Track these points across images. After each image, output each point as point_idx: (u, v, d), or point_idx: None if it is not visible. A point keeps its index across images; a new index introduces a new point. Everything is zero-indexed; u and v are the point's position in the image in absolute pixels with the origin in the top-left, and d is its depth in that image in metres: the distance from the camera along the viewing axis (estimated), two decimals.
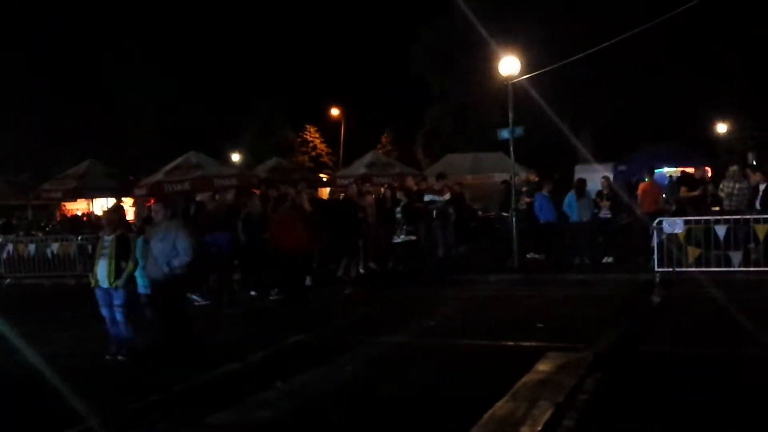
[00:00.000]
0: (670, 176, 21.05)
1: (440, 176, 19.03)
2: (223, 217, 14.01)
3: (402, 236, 16.74)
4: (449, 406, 7.34)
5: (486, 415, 6.56)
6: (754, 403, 6.97)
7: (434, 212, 17.60)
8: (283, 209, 13.96)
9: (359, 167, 24.83)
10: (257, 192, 16.40)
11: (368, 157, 25.74)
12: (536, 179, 20.11)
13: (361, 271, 16.40)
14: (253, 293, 14.35)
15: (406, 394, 7.84)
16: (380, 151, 37.38)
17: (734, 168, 15.42)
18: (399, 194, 17.45)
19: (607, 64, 23.69)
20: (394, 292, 14.75)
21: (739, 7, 25.40)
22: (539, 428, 6.21)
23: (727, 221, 13.91)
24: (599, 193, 16.73)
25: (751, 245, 13.76)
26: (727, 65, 26.96)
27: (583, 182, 16.72)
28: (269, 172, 24.54)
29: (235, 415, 7.23)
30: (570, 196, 16.37)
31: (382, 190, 18.71)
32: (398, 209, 16.96)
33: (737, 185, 14.93)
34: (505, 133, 16.72)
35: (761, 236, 13.55)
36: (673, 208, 16.92)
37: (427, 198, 17.71)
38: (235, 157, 41.93)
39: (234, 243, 13.80)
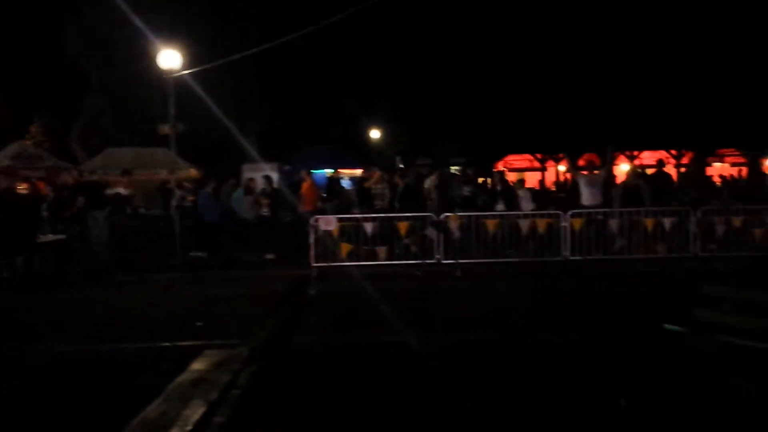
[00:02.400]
0: (329, 177, 22.40)
1: (126, 172, 17.94)
2: None
3: (50, 235, 15.41)
4: (100, 412, 6.99)
5: (136, 419, 6.35)
6: (402, 384, 7.70)
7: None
8: None
9: (3, 159, 22.36)
10: None
11: (13, 148, 23.29)
12: (200, 176, 20.01)
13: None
14: None
15: (56, 402, 7.30)
16: (29, 142, 33.94)
17: (379, 172, 17.00)
18: (47, 189, 16.08)
19: (271, 66, 24.41)
20: (47, 295, 13.63)
21: (387, 23, 27.61)
22: (189, 428, 6.17)
23: (374, 219, 15.24)
24: (262, 192, 17.20)
25: (407, 241, 15.23)
26: (379, 75, 29.21)
27: (250, 180, 17.07)
28: None
29: None
30: (239, 194, 16.60)
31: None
32: (44, 206, 15.61)
33: (379, 186, 16.49)
34: (165, 128, 16.37)
35: (402, 232, 15.08)
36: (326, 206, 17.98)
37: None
38: None
39: None
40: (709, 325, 8.29)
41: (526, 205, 16.54)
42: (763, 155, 25.88)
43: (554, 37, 24.71)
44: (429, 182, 16.63)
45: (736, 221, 15.32)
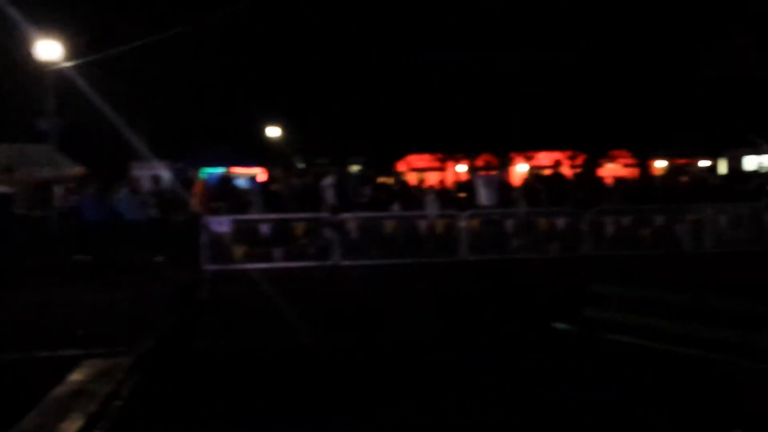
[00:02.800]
0: (223, 176, 21.74)
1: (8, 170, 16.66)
2: None
3: None
4: None
5: None
6: (299, 388, 7.43)
7: None
8: None
9: None
10: None
11: None
12: (84, 175, 18.96)
13: None
14: None
15: None
16: None
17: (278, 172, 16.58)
18: None
19: (163, 59, 23.51)
20: None
21: (283, 15, 27.01)
22: None
23: (270, 220, 14.85)
24: (151, 191, 16.47)
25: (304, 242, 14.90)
26: (277, 69, 28.57)
27: (136, 180, 16.27)
28: None
29: None
30: (124, 194, 15.78)
31: None
32: None
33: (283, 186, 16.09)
34: (43, 125, 15.39)
35: (299, 233, 14.76)
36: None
37: None
38: None
39: None
40: (596, 322, 8.45)
41: (432, 209, 16.31)
42: (652, 157, 27.00)
43: (451, 38, 24.96)
44: (327, 182, 16.36)
45: (626, 221, 15.81)
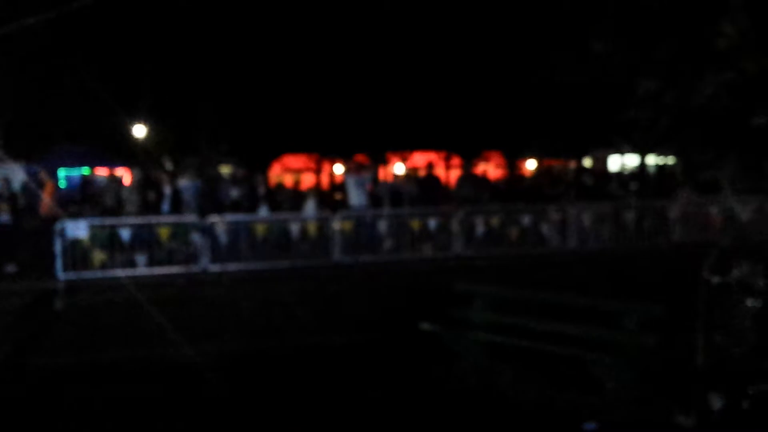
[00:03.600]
0: (84, 178, 20.59)
1: None
2: None
3: None
4: None
5: None
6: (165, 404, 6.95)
7: None
8: None
9: None
10: None
11: None
12: None
13: None
14: None
15: None
16: None
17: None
18: None
19: (10, 55, 21.93)
20: None
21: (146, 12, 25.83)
22: None
23: (133, 224, 14.08)
24: (2, 195, 15.27)
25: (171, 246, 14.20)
26: (141, 63, 27.25)
27: None
28: None
29: None
30: None
31: None
32: None
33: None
34: None
35: (164, 238, 14.06)
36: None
37: None
38: None
39: None
40: (462, 322, 8.46)
41: (310, 211, 15.90)
42: (522, 157, 27.81)
43: (323, 35, 24.70)
44: (183, 184, 15.69)
45: (495, 221, 16.07)
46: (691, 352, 7.72)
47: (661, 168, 24.10)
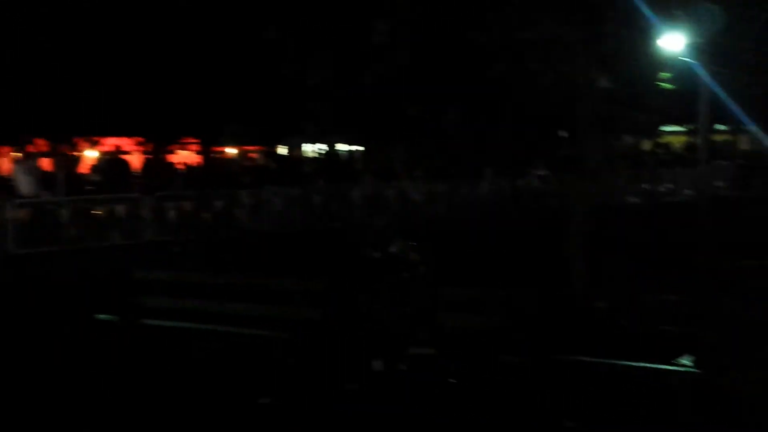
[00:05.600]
0: None
1: None
2: None
3: None
4: None
5: None
6: None
7: None
8: None
9: None
10: None
11: None
12: None
13: None
14: None
15: None
16: None
17: None
18: None
19: None
20: None
21: None
22: None
23: None
24: None
25: None
26: None
27: None
28: None
29: None
30: None
31: None
32: None
33: None
34: None
35: None
36: None
37: None
38: None
39: None
40: (139, 309, 8.40)
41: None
42: (218, 144, 27.69)
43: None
44: None
45: (188, 206, 15.99)
46: (356, 322, 8.42)
47: (350, 154, 25.63)
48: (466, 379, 7.46)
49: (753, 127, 21.90)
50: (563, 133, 20.42)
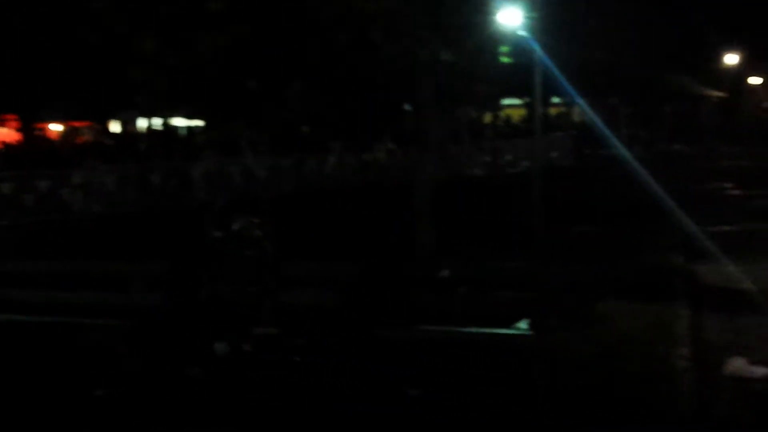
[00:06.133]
0: None
1: None
2: None
3: None
4: None
5: None
6: None
7: None
8: None
9: None
10: None
11: None
12: None
13: None
14: None
15: None
16: None
17: None
18: None
19: None
20: None
21: None
22: None
23: None
24: None
25: None
26: None
27: None
28: None
29: None
30: None
31: None
32: None
33: None
34: None
35: None
36: None
37: None
38: None
39: None
40: None
41: None
42: (42, 120, 25.69)
43: None
44: None
45: (6, 188, 14.67)
46: (198, 305, 7.98)
47: (190, 129, 24.53)
48: (310, 356, 7.27)
49: (580, 100, 23.23)
50: (408, 107, 20.63)
